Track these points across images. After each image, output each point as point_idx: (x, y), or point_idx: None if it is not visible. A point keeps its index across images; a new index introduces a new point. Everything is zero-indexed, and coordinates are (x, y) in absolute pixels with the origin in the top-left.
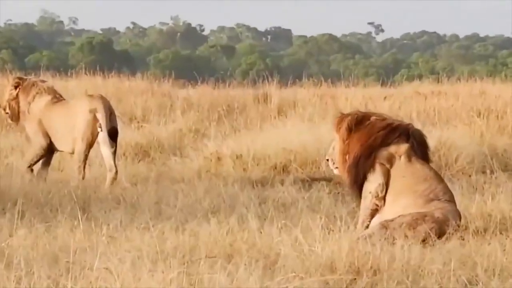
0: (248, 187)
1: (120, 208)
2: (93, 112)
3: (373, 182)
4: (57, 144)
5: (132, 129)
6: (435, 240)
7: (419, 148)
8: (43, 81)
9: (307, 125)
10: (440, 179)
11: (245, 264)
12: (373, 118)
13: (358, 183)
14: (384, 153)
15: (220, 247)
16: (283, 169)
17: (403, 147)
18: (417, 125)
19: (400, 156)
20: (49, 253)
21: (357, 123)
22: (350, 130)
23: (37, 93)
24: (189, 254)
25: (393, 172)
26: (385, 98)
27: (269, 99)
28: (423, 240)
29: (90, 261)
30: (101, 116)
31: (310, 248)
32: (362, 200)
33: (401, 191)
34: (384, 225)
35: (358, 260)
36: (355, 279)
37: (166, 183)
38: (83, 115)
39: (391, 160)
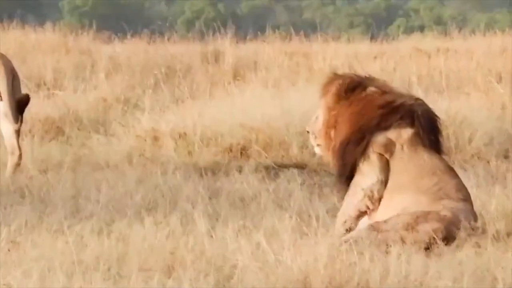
0: (194, 176)
1: (25, 204)
2: None
3: (369, 176)
4: None
5: (40, 99)
6: (441, 247)
7: (427, 135)
8: None
9: (272, 93)
10: (453, 174)
11: (191, 280)
12: (370, 89)
13: (346, 174)
14: (380, 139)
15: (158, 256)
16: (241, 153)
17: (406, 132)
18: (417, 93)
19: (401, 145)
20: None
21: (349, 90)
22: (338, 98)
23: None
24: (116, 265)
25: (392, 164)
26: (375, 57)
27: (221, 58)
28: (427, 248)
29: None
30: (1, 81)
31: (277, 257)
32: (349, 196)
33: (400, 187)
34: (375, 227)
35: (340, 273)
36: None
37: (86, 170)
38: None
39: (390, 148)
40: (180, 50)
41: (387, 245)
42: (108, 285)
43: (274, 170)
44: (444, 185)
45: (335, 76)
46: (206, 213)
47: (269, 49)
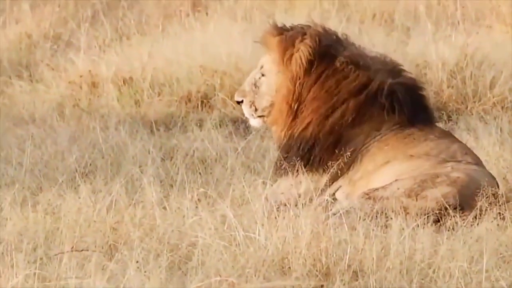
0: (143, 132)
1: None
2: None
3: (303, 182)
4: None
5: None
6: (455, 219)
7: (415, 119)
8: None
9: (242, 27)
10: (453, 138)
11: (138, 262)
12: (340, 59)
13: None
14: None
15: (96, 232)
16: (202, 102)
17: (387, 124)
18: (426, 27)
19: (379, 132)
20: None
21: (320, 56)
22: (312, 63)
23: None
24: (44, 244)
25: (366, 155)
26: None
27: None
28: (437, 220)
29: None
30: None
31: (247, 234)
32: (281, 185)
33: (385, 161)
34: (370, 196)
35: (327, 253)
36: (322, 286)
37: (6, 125)
38: None
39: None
40: None
41: (386, 217)
42: (33, 270)
43: (243, 124)
44: (445, 148)
45: (293, 33)
46: (158, 179)
47: None
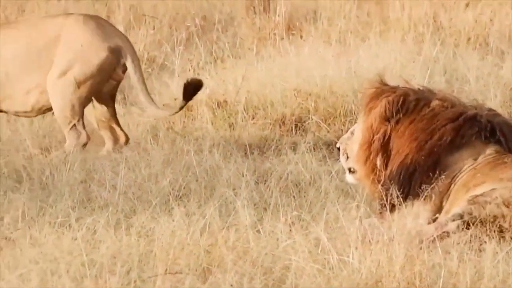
0: (237, 155)
1: (22, 191)
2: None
3: (422, 217)
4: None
5: None
6: None
7: (509, 149)
8: None
9: (336, 50)
10: None
11: (232, 285)
12: (435, 102)
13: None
14: (453, 169)
15: (190, 255)
16: (296, 125)
17: (488, 149)
18: None
19: (476, 160)
20: None
21: (408, 109)
22: (385, 118)
23: None
24: (138, 267)
25: (458, 182)
26: (467, 4)
27: (272, 6)
28: None
29: None
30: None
31: (341, 257)
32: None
33: (474, 185)
34: (474, 200)
35: (420, 277)
36: None
37: (100, 148)
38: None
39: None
40: None
41: (480, 241)
42: None
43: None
44: None
45: (384, 88)
46: (252, 202)
47: None
